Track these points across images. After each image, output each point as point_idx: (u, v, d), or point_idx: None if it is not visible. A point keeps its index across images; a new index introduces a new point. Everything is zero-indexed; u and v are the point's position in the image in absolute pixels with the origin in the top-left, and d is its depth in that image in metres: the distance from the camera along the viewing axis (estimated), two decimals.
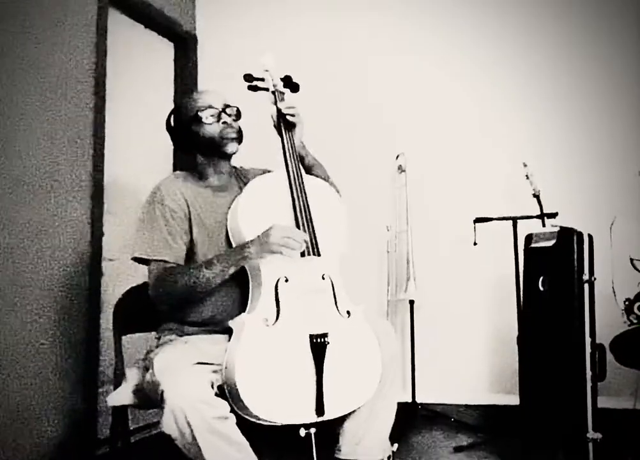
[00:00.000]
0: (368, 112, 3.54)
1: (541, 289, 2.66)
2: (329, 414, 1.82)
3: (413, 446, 2.88)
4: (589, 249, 2.48)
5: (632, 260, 2.57)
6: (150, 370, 1.81)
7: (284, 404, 1.77)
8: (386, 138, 3.50)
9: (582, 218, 2.74)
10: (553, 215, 2.90)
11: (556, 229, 2.63)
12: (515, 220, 2.94)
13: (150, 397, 1.79)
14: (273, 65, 2.11)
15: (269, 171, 2.15)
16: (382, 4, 3.61)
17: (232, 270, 1.87)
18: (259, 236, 1.85)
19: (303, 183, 1.97)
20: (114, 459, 2.27)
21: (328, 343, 1.83)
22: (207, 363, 1.79)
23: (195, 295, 1.91)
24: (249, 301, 1.90)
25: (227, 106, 2.07)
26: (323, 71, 3.54)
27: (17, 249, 2.47)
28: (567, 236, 2.55)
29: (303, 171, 2.03)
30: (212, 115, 2.03)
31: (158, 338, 2.03)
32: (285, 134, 2.03)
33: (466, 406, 3.26)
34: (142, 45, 3.45)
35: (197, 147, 2.08)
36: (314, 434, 1.79)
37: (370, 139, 3.53)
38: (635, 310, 2.46)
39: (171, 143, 2.18)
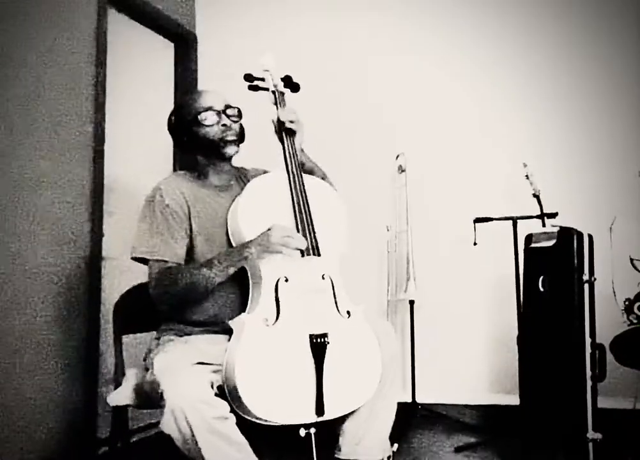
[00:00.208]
0: (368, 112, 3.54)
1: (541, 289, 2.67)
2: (329, 414, 1.82)
3: (413, 446, 2.88)
4: (589, 249, 2.48)
5: (632, 260, 2.57)
6: (150, 370, 1.81)
7: (284, 404, 1.77)
8: (386, 138, 3.50)
9: (582, 218, 2.74)
10: (553, 215, 2.90)
11: (556, 229, 2.63)
12: (515, 220, 2.94)
13: (150, 397, 1.79)
14: (273, 65, 2.11)
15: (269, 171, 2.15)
16: (382, 4, 3.61)
17: (232, 270, 1.87)
18: (259, 236, 1.85)
19: (303, 183, 1.97)
20: (114, 459, 2.27)
21: (328, 343, 1.83)
22: (207, 363, 1.79)
23: (195, 295, 1.91)
24: (249, 301, 1.90)
25: (228, 107, 2.06)
26: (323, 71, 3.54)
27: (17, 249, 2.47)
28: (567, 236, 2.55)
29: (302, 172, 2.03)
30: (212, 117, 2.03)
31: (158, 338, 2.03)
32: (286, 140, 2.03)
33: (466, 406, 3.27)
34: (142, 45, 3.46)
35: (197, 148, 2.07)
36: (314, 434, 1.79)
37: (370, 139, 3.53)
38: (635, 310, 2.46)
39: (171, 143, 2.18)
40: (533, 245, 2.76)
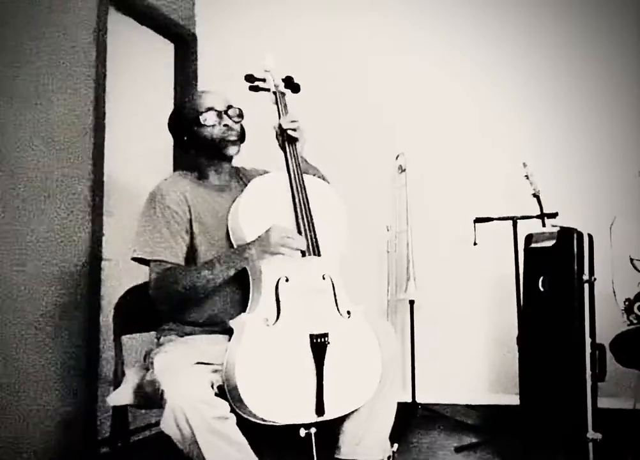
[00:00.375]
0: (368, 112, 3.54)
1: (541, 289, 2.67)
2: (329, 414, 1.82)
3: (413, 446, 2.88)
4: (589, 249, 2.48)
5: (632, 260, 2.57)
6: (150, 370, 1.81)
7: (284, 403, 1.77)
8: (386, 138, 3.50)
9: (582, 218, 2.74)
10: (553, 215, 2.90)
11: (556, 229, 2.63)
12: (515, 220, 2.94)
13: (150, 396, 1.79)
14: (274, 66, 2.12)
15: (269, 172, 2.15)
16: (382, 4, 3.61)
17: (232, 271, 1.88)
18: (259, 237, 1.85)
19: (303, 183, 1.97)
20: (114, 459, 2.27)
21: (328, 343, 1.83)
22: (207, 363, 1.79)
23: (195, 296, 1.91)
24: (249, 301, 1.90)
25: (230, 107, 2.06)
26: (323, 71, 3.54)
27: (17, 249, 2.47)
28: (567, 236, 2.55)
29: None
30: (213, 118, 2.02)
31: (158, 338, 2.03)
32: (288, 147, 2.02)
33: (466, 406, 3.27)
34: (142, 45, 3.45)
35: (198, 148, 2.07)
36: (314, 434, 1.79)
37: (370, 139, 3.53)
38: (635, 310, 2.46)
39: (171, 143, 2.18)
40: (533, 245, 2.76)
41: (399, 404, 2.06)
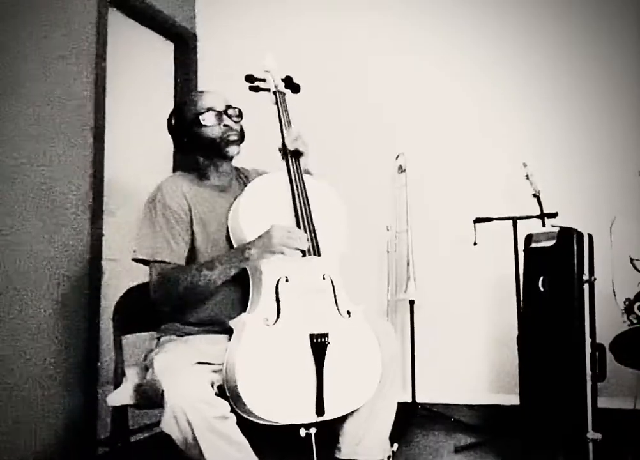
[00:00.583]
0: (368, 112, 3.54)
1: (541, 289, 2.66)
2: (330, 414, 1.82)
3: (413, 446, 2.88)
4: (589, 249, 2.48)
5: (632, 260, 2.57)
6: (150, 370, 1.81)
7: (284, 403, 1.77)
8: (386, 138, 3.50)
9: (582, 218, 2.74)
10: (553, 215, 2.90)
11: (556, 229, 2.63)
12: (515, 220, 2.94)
13: (150, 396, 1.79)
14: (274, 66, 2.12)
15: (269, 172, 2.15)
16: (382, 4, 3.61)
17: (233, 271, 1.88)
18: (259, 237, 1.86)
19: (303, 183, 1.97)
20: (114, 459, 2.27)
21: (329, 343, 1.83)
22: (207, 363, 1.79)
23: (195, 296, 1.91)
24: (249, 301, 1.90)
25: (229, 107, 2.06)
26: (323, 71, 3.54)
27: (17, 249, 2.47)
28: (567, 236, 2.55)
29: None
30: (213, 118, 2.02)
31: (158, 338, 2.03)
32: (291, 160, 2.01)
33: (466, 406, 3.26)
34: (142, 45, 3.45)
35: (198, 148, 2.07)
36: (314, 434, 1.79)
37: (370, 139, 3.53)
38: (635, 310, 2.46)
39: (172, 143, 2.18)
40: (532, 245, 2.76)
41: (399, 404, 2.06)
